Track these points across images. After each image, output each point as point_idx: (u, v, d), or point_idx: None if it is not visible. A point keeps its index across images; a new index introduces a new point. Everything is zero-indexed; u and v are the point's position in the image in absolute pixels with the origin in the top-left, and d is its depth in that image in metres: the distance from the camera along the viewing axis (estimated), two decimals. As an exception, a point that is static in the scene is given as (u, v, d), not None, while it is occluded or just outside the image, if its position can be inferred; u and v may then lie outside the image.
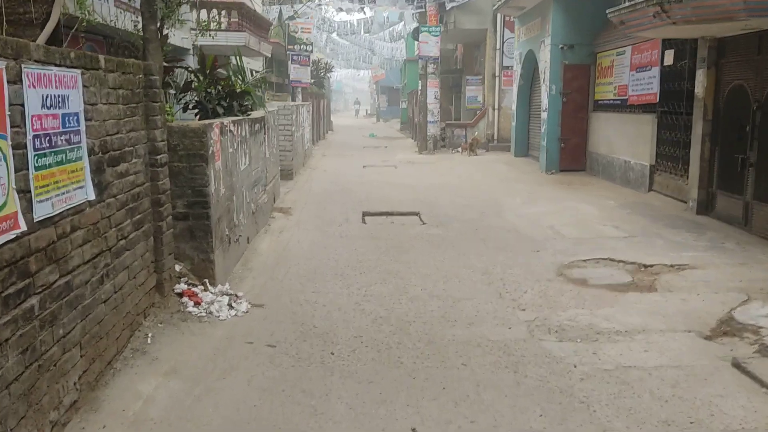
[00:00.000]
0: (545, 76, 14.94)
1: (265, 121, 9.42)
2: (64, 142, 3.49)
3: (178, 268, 5.47)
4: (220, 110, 7.88)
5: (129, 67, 4.56)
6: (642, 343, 4.83)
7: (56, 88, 3.42)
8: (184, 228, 5.59)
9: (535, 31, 15.99)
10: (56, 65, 3.44)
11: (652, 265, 6.90)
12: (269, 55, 17.22)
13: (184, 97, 7.43)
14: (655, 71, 11.20)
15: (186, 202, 5.56)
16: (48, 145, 3.32)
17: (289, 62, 22.29)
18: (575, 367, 4.44)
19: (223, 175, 6.26)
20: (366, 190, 12.91)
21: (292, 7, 20.13)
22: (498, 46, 21.24)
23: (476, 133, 20.83)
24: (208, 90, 7.97)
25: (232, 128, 6.81)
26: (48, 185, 3.31)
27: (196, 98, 7.77)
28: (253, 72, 11.12)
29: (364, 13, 19.96)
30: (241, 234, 7.15)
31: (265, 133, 9.27)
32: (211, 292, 5.44)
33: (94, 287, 3.89)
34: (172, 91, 7.25)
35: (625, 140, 12.46)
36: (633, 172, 12.03)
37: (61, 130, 3.46)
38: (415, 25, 26.96)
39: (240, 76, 9.48)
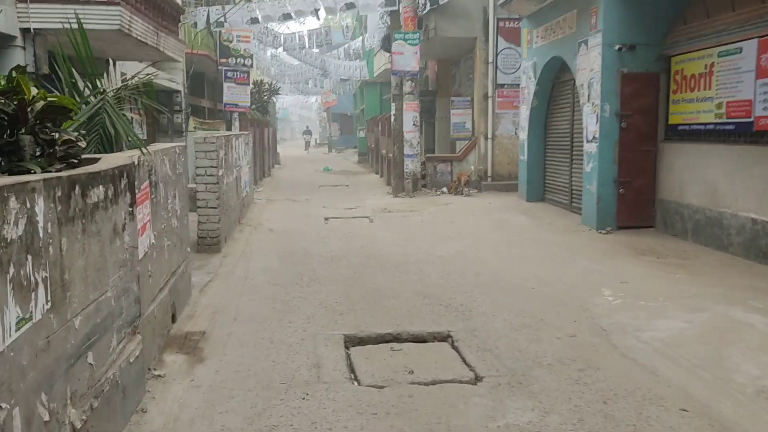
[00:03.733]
0: (590, 91, 10.34)
1: (135, 175, 4.34)
2: None
3: None
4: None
5: None
6: None
7: None
8: None
9: (564, 31, 11.45)
10: None
11: None
12: (180, 60, 12.13)
13: None
14: (829, 75, 6.69)
15: None
16: None
17: (223, 79, 17.21)
18: None
19: None
20: (339, 272, 7.91)
21: (223, 8, 15.10)
22: (490, 59, 16.76)
23: (471, 168, 16.11)
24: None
25: None
26: None
27: None
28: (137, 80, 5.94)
29: (317, 17, 15.20)
30: None
31: (133, 205, 4.16)
32: None
33: None
34: None
35: (753, 187, 7.87)
36: (779, 240, 7.43)
37: None
38: (378, 35, 22.40)
39: (82, 78, 4.46)
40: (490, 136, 16.91)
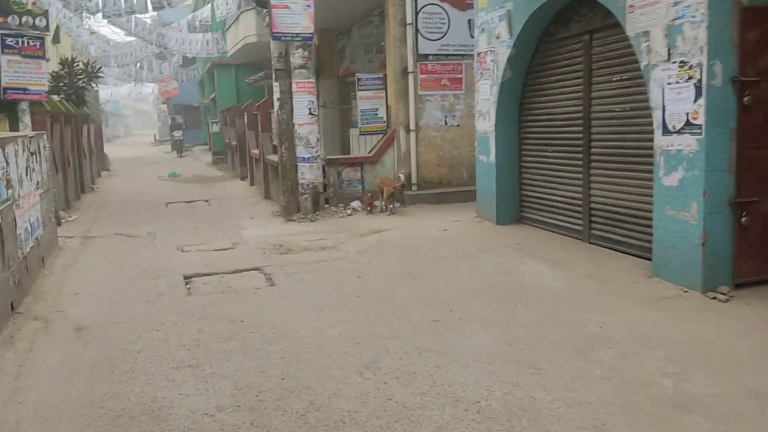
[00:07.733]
0: (674, 42, 5.79)
1: None
2: None
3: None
4: None
5: None
6: None
7: None
8: None
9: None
10: None
11: None
12: None
13: None
14: None
15: None
16: None
17: (0, 50, 10.78)
18: None
19: None
20: None
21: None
22: (409, 20, 11.93)
23: (401, 176, 11.11)
24: None
25: None
26: None
27: None
28: None
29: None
30: None
31: None
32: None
33: None
34: None
35: None
36: None
37: None
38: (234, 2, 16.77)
39: None
40: (413, 127, 12.11)
